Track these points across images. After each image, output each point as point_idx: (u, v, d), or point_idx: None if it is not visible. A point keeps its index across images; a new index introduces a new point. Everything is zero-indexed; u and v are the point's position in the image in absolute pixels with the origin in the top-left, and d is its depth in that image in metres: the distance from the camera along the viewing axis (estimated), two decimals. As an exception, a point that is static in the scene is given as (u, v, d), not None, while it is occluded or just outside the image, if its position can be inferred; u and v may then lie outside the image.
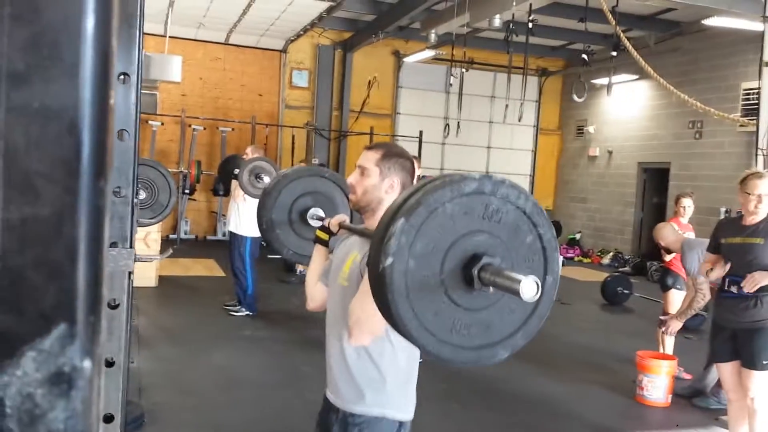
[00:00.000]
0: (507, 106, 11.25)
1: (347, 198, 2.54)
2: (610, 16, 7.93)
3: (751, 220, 3.97)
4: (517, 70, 11.37)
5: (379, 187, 2.13)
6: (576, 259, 15.02)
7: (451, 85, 12.31)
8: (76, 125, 0.44)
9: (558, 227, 15.27)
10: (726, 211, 10.94)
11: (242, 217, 7.30)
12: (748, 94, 11.26)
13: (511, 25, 10.11)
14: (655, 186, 14.01)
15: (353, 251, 2.14)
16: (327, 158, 14.48)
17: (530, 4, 9.44)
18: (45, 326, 0.44)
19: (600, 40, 12.70)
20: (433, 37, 11.67)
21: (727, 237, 4.08)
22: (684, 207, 6.16)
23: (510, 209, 1.30)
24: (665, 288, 6.15)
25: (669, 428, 5.08)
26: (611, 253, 14.51)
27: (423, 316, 1.25)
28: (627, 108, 14.48)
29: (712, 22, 10.42)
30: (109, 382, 1.61)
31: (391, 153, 2.17)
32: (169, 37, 9.97)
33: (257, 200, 7.95)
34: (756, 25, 9.52)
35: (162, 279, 8.98)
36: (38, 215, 0.43)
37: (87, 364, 0.45)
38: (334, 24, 14.01)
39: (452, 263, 1.27)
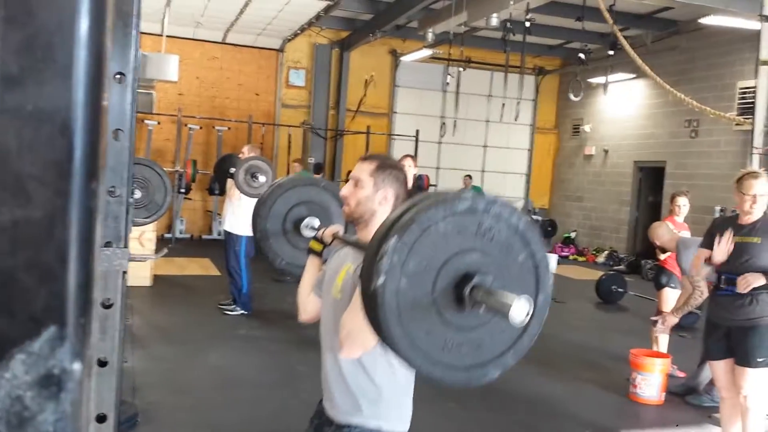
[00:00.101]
0: (504, 105, 11.27)
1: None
2: (607, 14, 7.94)
3: (747, 219, 3.98)
4: (514, 69, 11.39)
5: (373, 198, 2.12)
6: (571, 257, 15.04)
7: (447, 84, 12.33)
8: (68, 127, 0.44)
9: (553, 226, 15.28)
10: (721, 210, 10.96)
11: (238, 216, 7.30)
12: (745, 92, 11.29)
13: (508, 24, 10.11)
14: (651, 185, 14.04)
15: (347, 262, 2.13)
16: (323, 157, 14.47)
17: (527, 3, 9.45)
18: (35, 329, 0.44)
19: (597, 38, 12.72)
20: (430, 36, 11.67)
21: (724, 235, 4.08)
22: (679, 206, 6.17)
23: (502, 227, 1.30)
24: (659, 286, 6.17)
25: (662, 426, 5.09)
26: (606, 252, 14.54)
27: (415, 336, 1.25)
28: (623, 107, 14.50)
29: (708, 20, 10.44)
30: (102, 382, 1.61)
31: (385, 165, 2.17)
32: (166, 36, 9.94)
33: (253, 199, 7.94)
34: (752, 24, 9.54)
35: (157, 278, 8.97)
36: (30, 218, 0.43)
37: (77, 366, 0.45)
38: (332, 23, 14.01)
39: (444, 282, 1.27)
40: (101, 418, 1.61)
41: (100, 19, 0.45)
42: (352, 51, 14.79)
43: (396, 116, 15.73)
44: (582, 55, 10.37)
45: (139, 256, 6.76)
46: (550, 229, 15.19)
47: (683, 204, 6.18)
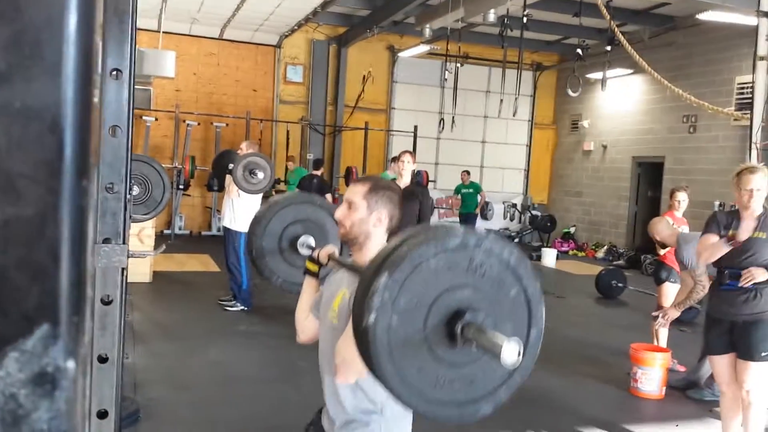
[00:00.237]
0: (502, 100, 11.26)
1: None
2: (605, 10, 7.93)
3: (747, 214, 3.96)
4: (512, 65, 11.35)
5: (367, 221, 2.12)
6: (570, 252, 15.04)
7: (445, 79, 12.30)
8: (58, 124, 0.44)
9: (553, 221, 15.29)
10: (720, 205, 10.98)
11: (236, 212, 7.29)
12: (742, 88, 11.28)
13: (505, 19, 10.08)
14: (650, 180, 14.04)
15: (342, 287, 2.13)
16: (321, 153, 14.46)
17: (524, -1, 9.43)
18: (27, 327, 0.43)
19: (594, 34, 12.70)
20: (427, 31, 11.66)
21: (728, 229, 4.05)
22: (679, 201, 6.17)
23: (494, 263, 1.30)
24: (659, 281, 6.17)
25: (663, 420, 5.10)
26: (605, 247, 14.54)
27: (406, 372, 1.25)
28: (621, 102, 14.49)
29: (706, 16, 10.43)
30: (102, 377, 1.61)
31: (378, 186, 2.16)
32: (163, 32, 9.93)
33: (252, 195, 7.91)
34: (750, 20, 9.53)
35: (156, 274, 8.96)
36: (20, 216, 0.43)
37: (71, 364, 0.45)
38: (329, 19, 13.98)
39: (436, 318, 1.27)
40: (102, 414, 1.61)
41: (89, 16, 0.45)
42: (350, 47, 14.77)
43: (394, 112, 15.71)
44: (580, 51, 10.34)
45: (137, 252, 6.76)
46: (549, 224, 15.20)
47: (683, 199, 6.19)
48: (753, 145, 8.90)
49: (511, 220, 16.20)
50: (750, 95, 9.83)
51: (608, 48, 9.67)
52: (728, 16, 10.02)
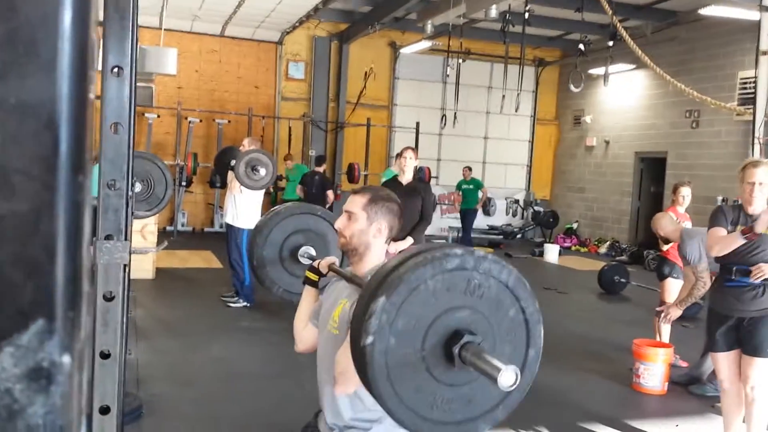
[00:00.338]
0: (504, 96, 11.25)
1: None
2: (607, 5, 7.91)
3: (753, 209, 3.95)
4: (514, 61, 11.36)
5: (367, 231, 2.14)
6: (573, 248, 15.04)
7: (447, 75, 12.29)
8: (53, 121, 0.44)
9: (555, 217, 15.28)
10: (723, 200, 10.96)
11: (239, 209, 7.30)
12: (745, 83, 11.26)
13: (507, 15, 10.08)
14: (652, 175, 14.03)
15: (342, 297, 2.14)
16: (324, 150, 14.47)
17: (526, -6, 9.42)
18: (23, 322, 0.44)
19: (597, 29, 12.68)
20: (429, 27, 11.64)
21: (736, 225, 4.03)
22: (683, 196, 6.15)
23: (492, 284, 1.30)
24: (662, 277, 6.17)
25: (665, 416, 5.10)
26: (608, 243, 14.54)
27: (404, 393, 1.26)
28: (624, 98, 14.47)
29: (708, 11, 10.40)
30: (104, 373, 1.61)
31: (378, 197, 2.18)
32: (165, 29, 9.94)
33: (254, 192, 7.91)
34: (752, 14, 9.50)
35: (159, 271, 8.99)
36: (15, 211, 0.43)
37: (66, 359, 0.45)
38: (330, 15, 13.97)
39: (434, 339, 1.27)
40: (105, 410, 1.61)
41: (85, 12, 0.45)
42: (351, 43, 14.76)
43: (396, 108, 15.70)
44: (582, 46, 10.33)
45: (140, 249, 6.77)
46: (551, 220, 15.19)
47: (686, 194, 6.16)
48: (756, 140, 8.88)
49: (514, 216, 16.20)
50: (753, 90, 9.80)
51: (610, 43, 9.67)
52: (731, 11, 9.99)
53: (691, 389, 5.51)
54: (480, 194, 13.71)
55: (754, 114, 8.95)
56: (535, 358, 1.40)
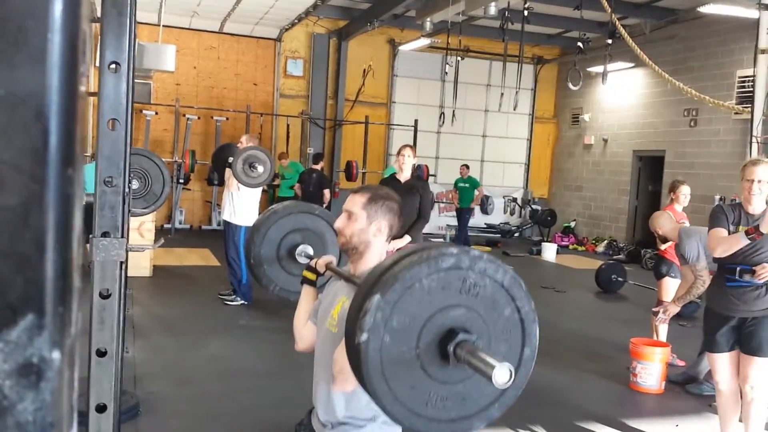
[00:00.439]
0: (502, 94, 11.24)
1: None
2: (606, 3, 7.90)
3: (752, 208, 3.95)
4: (513, 59, 11.34)
5: (367, 230, 2.14)
6: (571, 247, 15.05)
7: (446, 73, 12.29)
8: (43, 112, 0.44)
9: (553, 215, 15.29)
10: (721, 199, 10.97)
11: (236, 206, 7.29)
12: (743, 81, 11.26)
13: (506, 13, 10.08)
14: (650, 174, 14.03)
15: (341, 295, 2.14)
16: (322, 147, 14.45)
17: (525, -8, 9.41)
18: (11, 317, 0.43)
19: (595, 27, 12.68)
20: (428, 25, 11.63)
21: (737, 225, 4.01)
22: (685, 195, 6.09)
23: (488, 283, 1.31)
24: (659, 276, 6.16)
25: (663, 415, 5.10)
26: (606, 241, 14.54)
27: (398, 390, 1.26)
28: (622, 96, 14.47)
29: (707, 9, 10.40)
30: (101, 371, 1.60)
31: (378, 196, 2.17)
32: (163, 26, 9.92)
33: (251, 189, 7.89)
34: (751, 13, 9.52)
35: (156, 269, 8.97)
36: (4, 205, 0.43)
37: (56, 355, 0.44)
38: (329, 12, 13.96)
39: (429, 337, 1.27)
40: (101, 408, 1.60)
41: (75, 3, 0.44)
42: (350, 40, 14.74)
43: (395, 106, 15.69)
44: (581, 44, 10.33)
45: (136, 246, 6.76)
46: (549, 218, 15.20)
47: (687, 193, 6.12)
48: (754, 139, 8.89)
49: (512, 214, 16.20)
50: (751, 89, 9.82)
51: (609, 41, 9.67)
52: (730, 9, 10.00)
53: (688, 388, 5.51)
54: (476, 193, 13.66)
55: (752, 112, 8.96)
56: (530, 357, 1.40)
